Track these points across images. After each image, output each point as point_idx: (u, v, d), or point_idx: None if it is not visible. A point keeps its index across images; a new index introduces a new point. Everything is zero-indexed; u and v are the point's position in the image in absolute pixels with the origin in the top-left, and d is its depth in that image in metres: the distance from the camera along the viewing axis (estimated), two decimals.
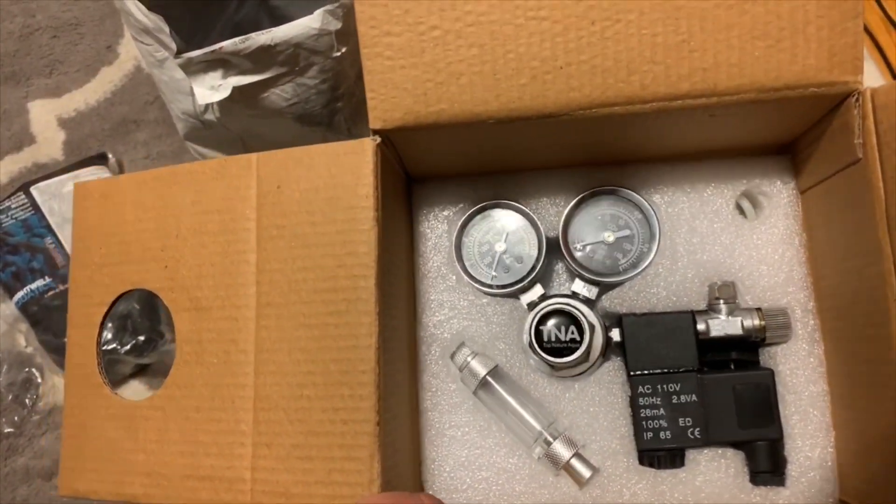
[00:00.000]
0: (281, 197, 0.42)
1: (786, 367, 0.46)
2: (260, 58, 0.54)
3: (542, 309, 0.45)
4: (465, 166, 0.49)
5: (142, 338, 0.67)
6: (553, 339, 0.44)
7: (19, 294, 0.72)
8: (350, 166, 0.40)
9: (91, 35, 0.84)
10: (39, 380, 0.70)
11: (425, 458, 0.48)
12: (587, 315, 0.45)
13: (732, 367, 0.46)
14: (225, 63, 0.55)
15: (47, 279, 0.71)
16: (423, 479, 0.47)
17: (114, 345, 0.67)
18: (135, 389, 0.70)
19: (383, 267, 0.40)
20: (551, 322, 0.45)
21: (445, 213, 0.50)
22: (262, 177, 0.42)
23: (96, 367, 0.46)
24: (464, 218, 0.50)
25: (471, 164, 0.49)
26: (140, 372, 0.71)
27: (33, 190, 0.74)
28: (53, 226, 0.73)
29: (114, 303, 0.46)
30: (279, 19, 0.72)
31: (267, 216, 0.42)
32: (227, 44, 0.53)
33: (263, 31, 0.53)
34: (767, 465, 0.44)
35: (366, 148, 0.40)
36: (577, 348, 0.44)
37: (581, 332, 0.44)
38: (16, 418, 0.66)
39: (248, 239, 0.42)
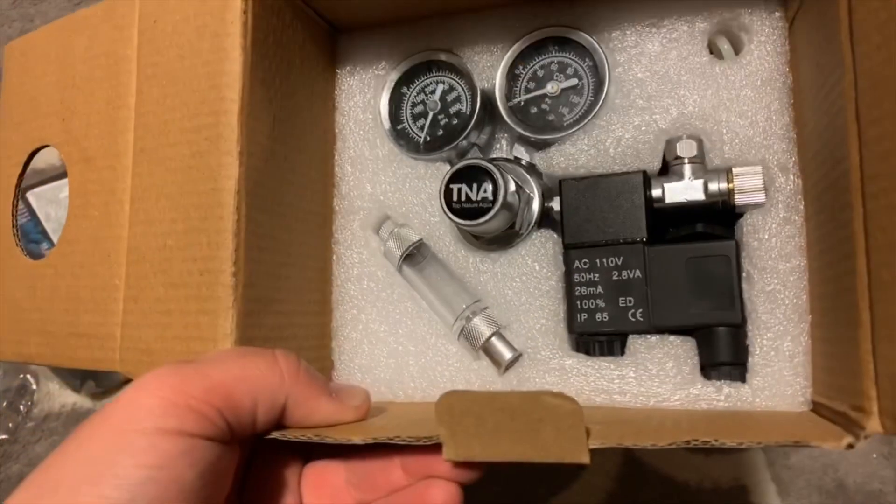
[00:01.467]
0: (156, 32, 0.38)
1: (754, 238, 0.37)
2: None
3: (456, 166, 0.39)
4: (393, 10, 0.43)
5: None
6: (464, 198, 0.38)
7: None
8: None
9: None
10: (34, 386, 0.70)
11: (336, 334, 0.43)
12: (511, 173, 0.39)
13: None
14: None
15: None
16: (332, 355, 0.43)
17: None
18: None
19: (255, 103, 0.36)
20: (462, 180, 0.38)
21: (371, 68, 0.45)
22: (143, 13, 0.39)
23: (11, 228, 0.45)
24: (392, 73, 0.44)
25: (400, 5, 0.43)
26: None
27: (30, 195, 0.73)
28: (49, 232, 0.72)
29: (26, 163, 0.45)
30: None
31: (145, 55, 0.38)
32: None
33: None
34: (724, 355, 0.36)
35: None
36: (488, 209, 0.37)
37: (495, 189, 0.38)
38: (10, 425, 0.66)
39: (129, 82, 0.39)
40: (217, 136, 0.35)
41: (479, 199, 0.38)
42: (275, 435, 0.31)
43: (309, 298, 0.41)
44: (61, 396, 0.63)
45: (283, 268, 0.39)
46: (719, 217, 0.39)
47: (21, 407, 0.66)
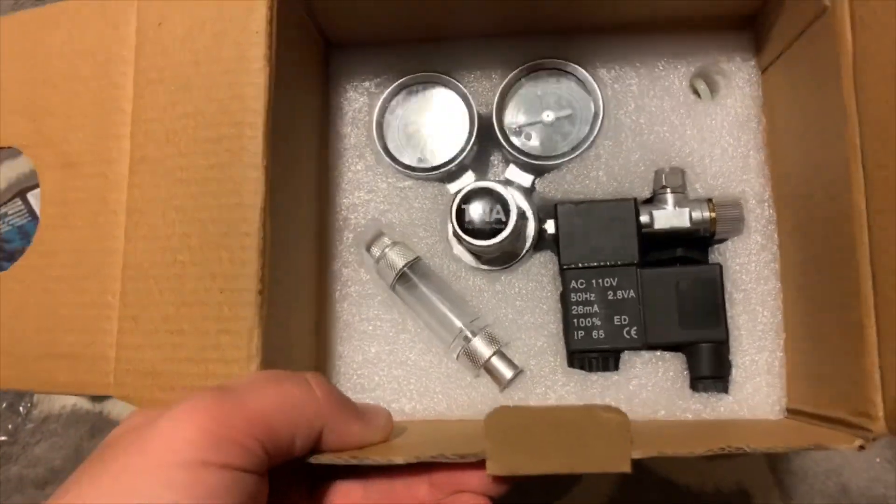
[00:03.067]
0: (162, 34, 0.36)
1: (735, 263, 0.41)
2: None
3: (467, 188, 0.40)
4: (391, 30, 0.43)
5: None
6: (477, 220, 0.39)
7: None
8: None
9: None
10: None
11: (331, 354, 0.42)
12: (515, 196, 0.40)
13: (678, 265, 0.42)
14: None
15: None
16: (327, 376, 0.42)
17: None
18: None
19: (277, 116, 0.34)
20: (476, 203, 0.40)
21: (367, 84, 0.45)
22: (142, 12, 0.36)
23: None
24: (388, 92, 0.44)
25: (399, 27, 0.43)
26: None
27: (30, 196, 0.72)
28: None
29: None
30: None
31: (146, 57, 0.36)
32: None
33: None
34: (709, 369, 0.40)
35: None
36: (501, 230, 0.39)
37: (507, 212, 0.39)
38: (10, 426, 0.64)
39: (125, 84, 0.36)
40: (240, 149, 0.34)
41: (492, 220, 0.39)
42: (314, 460, 0.30)
43: (308, 318, 0.40)
44: (61, 398, 0.60)
45: (293, 287, 0.38)
46: (697, 242, 0.42)
47: (20, 408, 0.64)
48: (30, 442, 0.60)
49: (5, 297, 0.37)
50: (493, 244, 0.39)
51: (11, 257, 0.72)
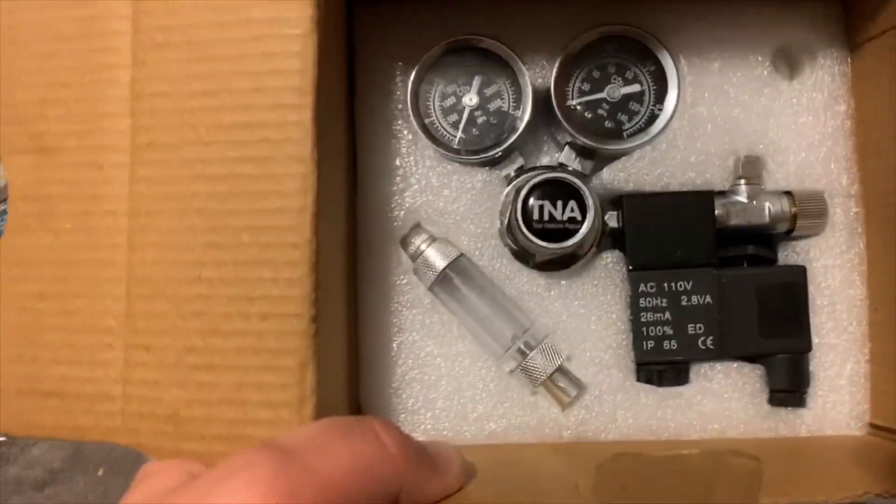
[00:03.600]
0: None
1: (818, 265, 0.37)
2: None
3: (532, 179, 0.34)
4: None
5: None
6: (547, 218, 0.34)
7: None
8: None
9: None
10: None
11: (362, 371, 0.36)
12: (590, 189, 0.34)
13: (745, 263, 0.38)
14: None
15: None
16: (359, 398, 0.36)
17: None
18: None
19: (324, 96, 0.28)
20: (544, 196, 0.34)
21: (400, 49, 0.38)
22: None
23: None
24: (424, 58, 0.37)
25: None
26: None
27: None
28: None
29: None
30: None
31: (147, 13, 0.28)
32: None
33: None
34: (790, 382, 0.36)
35: None
36: (577, 230, 0.33)
37: (583, 209, 0.33)
38: None
39: (120, 47, 0.28)
40: (284, 140, 0.27)
41: (565, 218, 0.33)
42: None
43: (343, 335, 0.34)
44: None
45: (333, 304, 0.31)
46: (770, 239, 0.38)
47: None
48: (28, 443, 0.56)
49: None
50: (570, 245, 0.33)
51: None
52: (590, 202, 0.33)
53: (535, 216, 0.34)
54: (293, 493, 0.20)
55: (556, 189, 0.34)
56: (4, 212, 0.41)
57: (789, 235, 0.38)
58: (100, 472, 0.55)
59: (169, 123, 0.28)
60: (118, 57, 0.28)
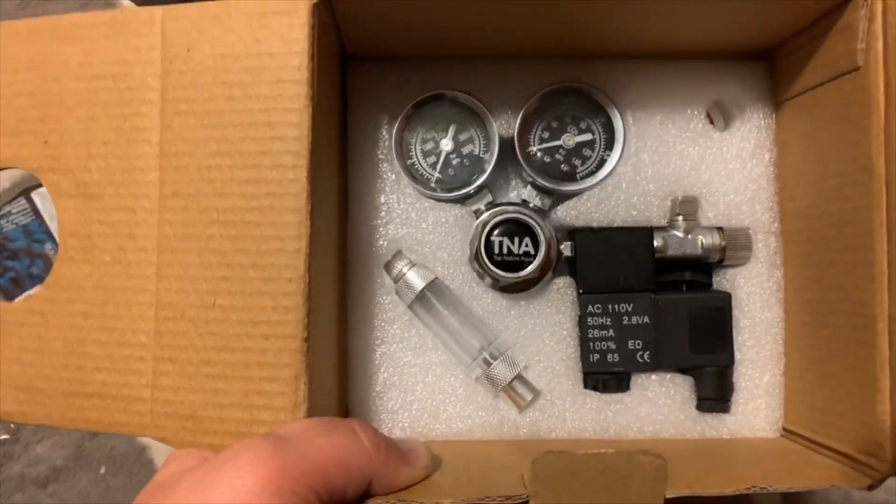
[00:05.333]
0: (191, 63, 0.34)
1: (743, 291, 0.43)
2: None
3: (494, 218, 0.40)
4: (413, 45, 0.42)
5: None
6: (505, 251, 0.40)
7: (18, 300, 0.67)
8: (279, 29, 0.33)
9: None
10: None
11: (350, 377, 0.43)
12: (543, 227, 0.41)
13: (684, 288, 0.43)
14: None
15: None
16: (347, 400, 0.43)
17: None
18: None
19: (316, 157, 0.34)
20: (504, 233, 0.40)
21: (386, 100, 0.44)
22: (168, 36, 0.34)
23: None
24: (407, 109, 0.43)
25: (420, 41, 0.42)
26: None
27: (34, 195, 0.72)
28: (53, 231, 0.72)
29: None
30: None
31: (173, 86, 0.34)
32: None
33: None
34: (715, 391, 0.42)
35: (299, 7, 0.33)
36: (530, 262, 0.40)
37: (536, 244, 0.40)
38: (11, 425, 0.64)
39: (150, 113, 0.35)
40: (283, 193, 0.33)
41: (521, 252, 0.40)
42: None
43: (333, 346, 0.40)
44: None
45: (325, 321, 0.38)
46: (705, 267, 0.44)
47: None
48: (31, 441, 0.59)
49: (20, 330, 0.36)
50: (522, 276, 0.39)
51: (16, 256, 0.71)
52: (542, 239, 0.40)
53: (496, 250, 0.40)
54: (285, 470, 0.27)
55: (514, 227, 0.40)
56: (56, 245, 0.47)
57: (720, 265, 0.44)
58: (102, 470, 0.58)
59: (190, 177, 0.34)
60: (149, 122, 0.35)
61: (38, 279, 0.71)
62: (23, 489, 0.58)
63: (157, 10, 0.34)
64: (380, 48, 0.43)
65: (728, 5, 0.37)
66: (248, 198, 0.33)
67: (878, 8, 0.33)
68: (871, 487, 0.33)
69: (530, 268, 0.39)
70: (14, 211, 0.72)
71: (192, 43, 0.34)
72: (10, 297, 0.71)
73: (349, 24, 0.38)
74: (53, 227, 0.72)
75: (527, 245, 0.40)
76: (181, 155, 0.34)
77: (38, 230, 0.72)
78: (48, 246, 0.72)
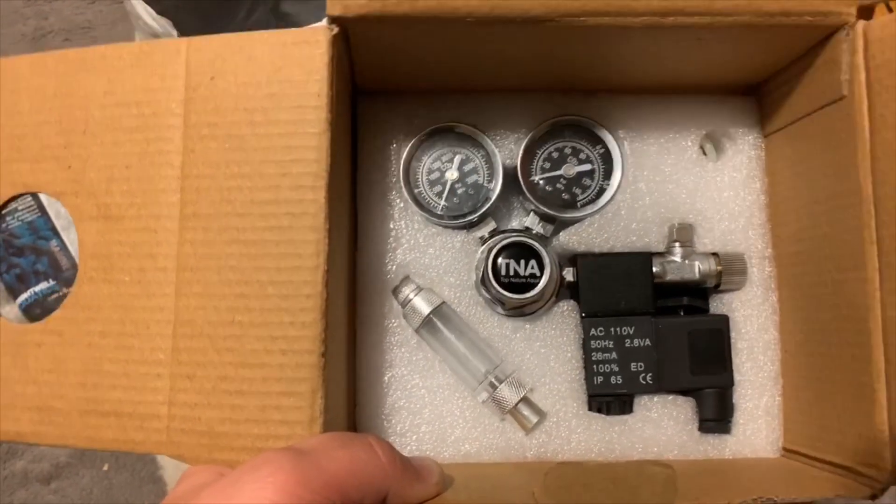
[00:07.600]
0: (214, 90, 0.36)
1: (739, 314, 0.45)
2: None
3: (500, 242, 0.42)
4: (421, 80, 0.44)
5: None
6: (512, 273, 0.41)
7: (23, 296, 0.71)
8: (299, 59, 0.35)
9: (103, 38, 0.82)
10: None
11: (359, 400, 0.43)
12: (547, 250, 0.42)
13: (682, 312, 0.45)
14: None
15: (51, 282, 0.71)
16: (356, 422, 0.43)
17: None
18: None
19: (333, 180, 0.35)
20: (510, 256, 0.41)
21: (394, 132, 0.46)
22: (192, 65, 0.36)
23: None
24: (414, 140, 0.45)
25: (428, 77, 0.44)
26: None
27: (41, 194, 0.70)
28: (59, 228, 0.72)
29: (2, 207, 0.39)
30: (290, 25, 0.64)
31: (196, 112, 0.36)
32: None
33: None
34: (716, 412, 0.43)
35: (320, 38, 0.35)
36: (536, 284, 0.41)
37: (541, 266, 0.41)
38: None
39: (173, 138, 0.36)
40: (302, 213, 0.34)
41: (527, 274, 0.41)
42: None
43: (343, 368, 0.41)
44: None
45: (338, 341, 0.38)
46: (702, 292, 0.46)
47: None
48: None
49: (36, 350, 0.37)
50: (530, 297, 0.41)
51: (21, 253, 0.71)
52: (547, 261, 0.41)
53: (503, 272, 0.41)
54: (305, 482, 0.27)
55: (520, 250, 0.41)
56: (61, 242, 0.47)
57: (716, 289, 0.45)
58: (105, 468, 0.57)
59: (211, 199, 0.35)
60: (171, 145, 0.36)
61: (43, 276, 0.71)
62: (26, 485, 0.57)
63: (182, 42, 0.36)
64: (389, 82, 0.45)
65: (718, 45, 0.39)
66: (267, 217, 0.35)
67: (860, 42, 0.36)
68: (873, 497, 0.34)
69: (537, 289, 0.41)
70: (20, 208, 0.72)
71: (216, 71, 0.36)
72: (16, 295, 0.71)
73: (362, 57, 0.40)
74: (59, 224, 0.72)
75: (532, 267, 0.41)
76: (203, 177, 0.35)
77: (43, 227, 0.73)
78: (53, 243, 0.72)
